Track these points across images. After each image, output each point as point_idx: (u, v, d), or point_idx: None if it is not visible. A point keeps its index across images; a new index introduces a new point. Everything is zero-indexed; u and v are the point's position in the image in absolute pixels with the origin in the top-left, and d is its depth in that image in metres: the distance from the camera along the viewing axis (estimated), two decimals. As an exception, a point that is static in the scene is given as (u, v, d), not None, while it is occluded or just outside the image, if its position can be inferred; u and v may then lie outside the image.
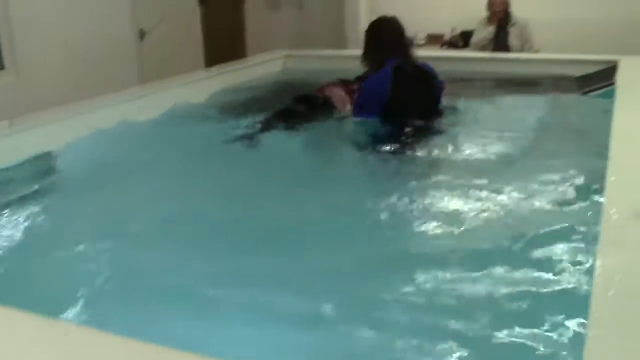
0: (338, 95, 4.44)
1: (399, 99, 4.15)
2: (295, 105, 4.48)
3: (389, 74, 4.16)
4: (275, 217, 2.86)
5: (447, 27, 8.45)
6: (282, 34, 9.09)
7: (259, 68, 5.83)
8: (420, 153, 3.80)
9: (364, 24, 8.48)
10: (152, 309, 2.12)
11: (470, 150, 3.69)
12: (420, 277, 2.22)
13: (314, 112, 4.39)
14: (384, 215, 2.88)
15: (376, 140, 4.08)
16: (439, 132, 4.14)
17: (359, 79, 4.48)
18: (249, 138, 3.99)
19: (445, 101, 4.48)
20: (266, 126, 4.20)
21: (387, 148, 3.87)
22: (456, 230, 2.62)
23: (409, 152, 3.83)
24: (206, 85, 5.03)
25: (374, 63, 4.32)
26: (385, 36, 4.36)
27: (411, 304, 2.10)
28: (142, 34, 6.88)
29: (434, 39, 8.48)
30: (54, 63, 5.74)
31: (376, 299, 2.14)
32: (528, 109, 4.38)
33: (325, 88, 4.57)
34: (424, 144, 3.92)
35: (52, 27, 5.73)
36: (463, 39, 8.19)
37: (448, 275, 2.22)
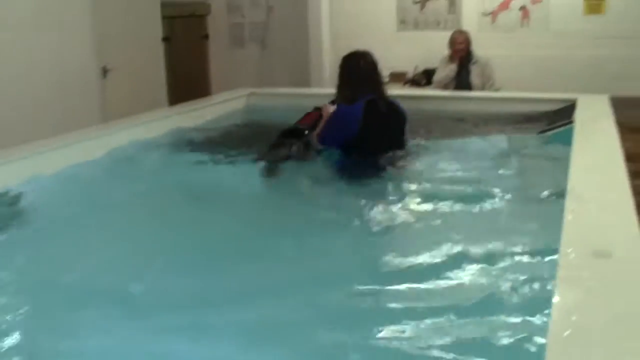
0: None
1: (369, 134, 4.23)
2: (285, 139, 4.50)
3: (359, 111, 4.24)
4: (240, 257, 2.86)
5: (410, 65, 8.53)
6: (246, 72, 9.13)
7: (223, 106, 5.83)
8: (385, 188, 3.85)
9: (327, 62, 8.60)
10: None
11: (428, 189, 3.72)
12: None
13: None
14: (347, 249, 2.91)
15: (346, 174, 4.17)
16: (404, 168, 4.22)
17: (333, 102, 4.56)
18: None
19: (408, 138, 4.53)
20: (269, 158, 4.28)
21: (356, 182, 3.98)
22: (412, 270, 2.64)
23: (375, 186, 3.88)
24: (168, 123, 5.01)
25: (347, 97, 4.38)
26: (359, 71, 4.42)
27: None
28: (105, 71, 6.86)
29: (396, 77, 8.56)
30: (15, 100, 5.68)
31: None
32: (488, 147, 4.43)
33: (309, 115, 4.66)
34: (390, 179, 3.98)
35: (14, 63, 5.69)
36: (426, 77, 8.27)
37: (405, 313, 2.23)
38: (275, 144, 4.48)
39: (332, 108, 4.53)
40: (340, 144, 4.35)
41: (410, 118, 4.66)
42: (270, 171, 4.15)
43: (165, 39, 8.01)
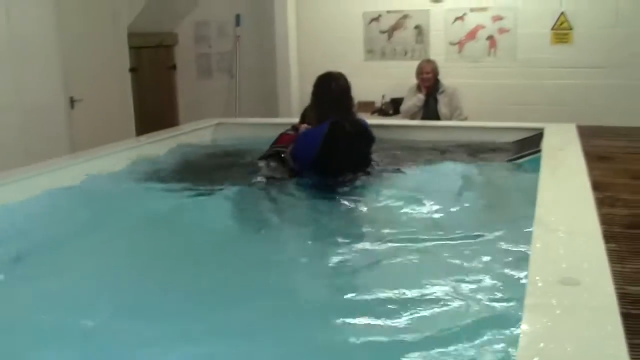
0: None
1: (333, 153, 4.37)
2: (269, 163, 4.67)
3: (323, 133, 4.38)
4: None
5: (378, 95, 8.56)
6: (214, 102, 9.13)
7: (190, 136, 5.80)
8: (353, 214, 3.87)
9: (295, 91, 8.62)
10: None
11: (394, 218, 3.73)
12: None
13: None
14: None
15: (317, 195, 4.25)
16: (370, 190, 4.31)
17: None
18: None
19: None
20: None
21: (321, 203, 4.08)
22: (377, 302, 2.62)
23: (343, 208, 3.94)
24: (135, 153, 4.97)
25: (317, 117, 4.54)
26: (330, 93, 4.57)
27: None
28: (72, 102, 6.81)
29: (364, 106, 8.56)
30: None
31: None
32: (455, 176, 4.44)
33: (286, 136, 4.82)
34: (356, 205, 4.00)
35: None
36: (393, 107, 8.30)
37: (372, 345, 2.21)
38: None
39: (305, 128, 4.70)
40: (307, 163, 4.46)
41: (378, 147, 4.70)
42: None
43: (133, 70, 8.00)
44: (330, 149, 4.36)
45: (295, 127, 4.92)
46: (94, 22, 7.28)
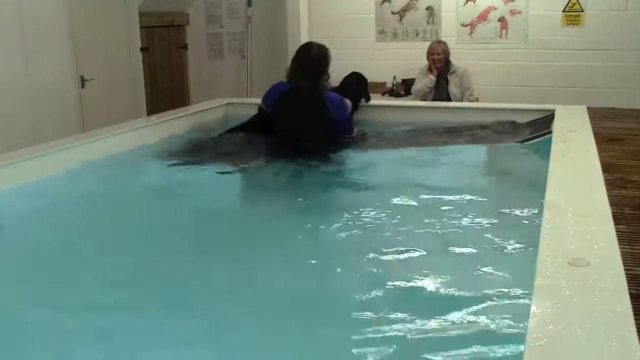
0: None
1: (282, 115, 4.74)
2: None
3: (280, 90, 4.79)
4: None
5: (389, 76, 8.55)
6: (225, 82, 9.13)
7: (201, 116, 5.81)
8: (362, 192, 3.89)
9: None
10: None
11: (407, 197, 3.73)
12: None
13: None
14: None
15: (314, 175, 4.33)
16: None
17: None
18: None
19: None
20: None
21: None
22: (390, 275, 2.63)
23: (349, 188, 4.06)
24: (146, 132, 4.98)
25: (287, 78, 4.85)
26: (301, 58, 4.89)
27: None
28: (83, 81, 6.82)
29: (376, 87, 8.53)
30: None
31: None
32: (466, 157, 4.44)
33: None
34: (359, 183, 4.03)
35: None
36: (405, 87, 8.28)
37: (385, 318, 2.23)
38: None
39: None
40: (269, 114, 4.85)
41: (390, 128, 4.71)
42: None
43: (144, 49, 7.99)
44: (280, 108, 4.73)
45: None
46: (105, 1, 7.28)
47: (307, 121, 4.66)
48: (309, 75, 4.73)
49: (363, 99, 5.66)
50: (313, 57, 4.83)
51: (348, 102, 4.98)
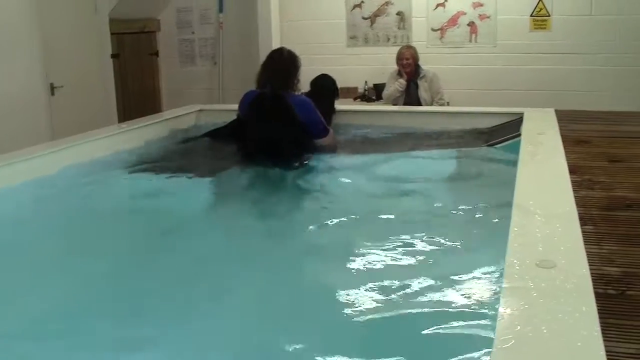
0: None
1: (250, 121, 4.78)
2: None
3: (249, 98, 4.82)
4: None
5: (361, 81, 8.59)
6: (197, 88, 9.12)
7: (173, 122, 5.80)
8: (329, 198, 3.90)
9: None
10: None
11: (374, 201, 3.76)
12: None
13: None
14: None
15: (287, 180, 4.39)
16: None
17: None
18: None
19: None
20: None
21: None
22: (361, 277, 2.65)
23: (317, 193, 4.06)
24: (117, 139, 4.97)
25: (256, 85, 4.87)
26: (268, 63, 4.91)
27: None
28: (53, 88, 6.79)
29: (347, 92, 8.56)
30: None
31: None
32: (435, 160, 4.48)
33: None
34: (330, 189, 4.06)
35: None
36: (376, 92, 8.33)
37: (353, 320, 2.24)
38: None
39: None
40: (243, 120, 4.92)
41: (361, 132, 4.74)
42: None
43: (115, 56, 7.97)
44: (250, 115, 4.79)
45: None
46: (75, 8, 7.26)
47: (275, 126, 4.67)
48: (278, 81, 4.74)
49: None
50: (283, 63, 4.85)
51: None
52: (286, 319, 2.39)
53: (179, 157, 4.91)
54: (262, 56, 8.61)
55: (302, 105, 4.74)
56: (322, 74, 5.74)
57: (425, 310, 2.34)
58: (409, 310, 2.36)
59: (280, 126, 4.67)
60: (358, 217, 3.52)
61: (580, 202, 2.86)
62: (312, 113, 4.78)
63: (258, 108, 4.76)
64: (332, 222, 3.42)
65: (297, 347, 2.17)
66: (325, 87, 5.61)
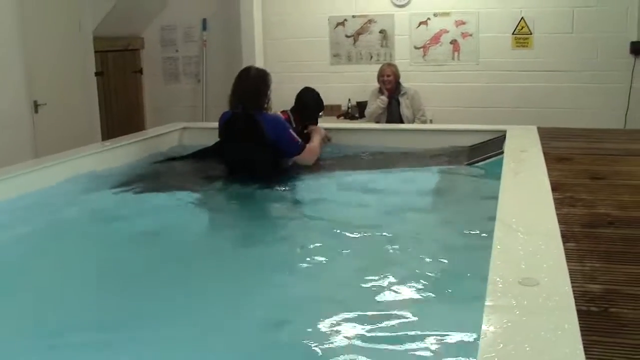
0: None
1: (225, 142, 4.84)
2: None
3: (223, 119, 4.85)
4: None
5: (344, 98, 8.61)
6: (181, 106, 9.12)
7: (156, 140, 5.79)
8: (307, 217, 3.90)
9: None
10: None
11: (355, 220, 3.76)
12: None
13: None
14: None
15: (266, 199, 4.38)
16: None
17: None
18: None
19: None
20: None
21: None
22: (341, 302, 2.65)
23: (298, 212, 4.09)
24: (101, 157, 4.95)
25: (229, 104, 4.88)
26: (238, 83, 4.87)
27: None
28: (36, 106, 6.77)
29: (331, 110, 8.58)
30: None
31: None
32: (418, 178, 4.49)
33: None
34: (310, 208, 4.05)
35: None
36: (359, 110, 8.35)
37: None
38: None
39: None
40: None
41: (344, 150, 4.75)
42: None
43: (99, 74, 7.96)
44: (225, 136, 4.85)
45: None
46: (59, 26, 7.24)
47: (247, 147, 4.70)
48: (248, 101, 4.75)
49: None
50: (251, 82, 4.83)
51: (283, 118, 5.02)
52: (260, 338, 2.38)
53: (161, 175, 4.90)
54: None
55: (273, 125, 4.74)
56: (306, 88, 5.73)
57: (407, 328, 2.34)
58: (391, 327, 2.36)
59: (253, 146, 4.68)
60: (337, 234, 3.51)
61: (563, 220, 2.87)
62: (283, 132, 4.78)
63: (231, 129, 4.79)
64: (309, 241, 3.41)
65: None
66: (307, 102, 5.59)
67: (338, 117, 8.54)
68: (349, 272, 3.03)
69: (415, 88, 7.64)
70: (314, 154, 5.01)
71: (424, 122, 7.38)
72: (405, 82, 7.67)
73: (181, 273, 3.04)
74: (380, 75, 7.55)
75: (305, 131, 5.30)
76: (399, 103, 7.43)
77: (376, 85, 7.63)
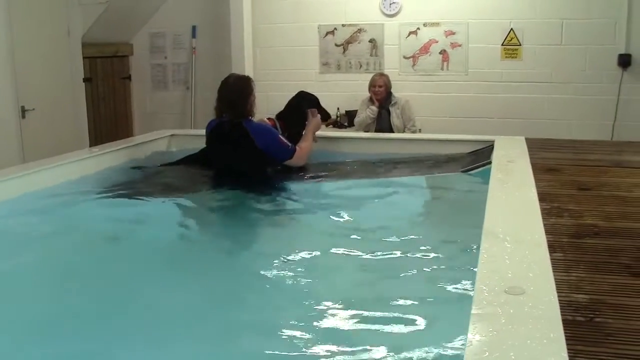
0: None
1: (212, 150, 4.88)
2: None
3: (209, 128, 4.91)
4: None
5: (333, 108, 8.61)
6: (169, 113, 9.11)
7: (144, 147, 5.77)
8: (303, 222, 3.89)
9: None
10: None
11: (348, 228, 3.76)
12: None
13: None
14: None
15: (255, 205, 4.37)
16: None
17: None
18: None
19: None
20: None
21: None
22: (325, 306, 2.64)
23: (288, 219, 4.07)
24: (89, 164, 4.94)
25: (215, 114, 4.94)
26: (221, 91, 4.93)
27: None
28: (23, 111, 6.74)
29: (320, 119, 8.56)
30: None
31: None
32: (407, 188, 4.49)
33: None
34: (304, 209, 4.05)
35: None
36: (348, 119, 8.36)
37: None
38: None
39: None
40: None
41: (333, 159, 4.75)
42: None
43: (87, 80, 7.94)
44: (211, 145, 4.90)
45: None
46: (47, 31, 7.23)
47: (234, 154, 4.72)
48: (231, 109, 4.80)
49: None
50: (231, 91, 4.85)
51: (269, 126, 5.04)
52: (245, 343, 2.37)
53: (148, 182, 4.88)
54: (235, 82, 8.69)
55: (260, 133, 4.76)
56: (299, 92, 5.74)
57: (393, 335, 2.34)
58: (377, 335, 2.35)
59: (240, 154, 4.69)
60: (324, 242, 3.51)
61: (550, 230, 2.88)
62: (271, 139, 4.81)
63: (217, 137, 4.84)
64: (295, 248, 3.40)
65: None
66: (297, 106, 5.57)
67: (327, 125, 8.52)
68: (337, 278, 3.03)
69: (406, 98, 7.65)
70: (305, 155, 5.03)
71: (414, 132, 7.39)
72: (394, 92, 7.67)
73: (166, 278, 3.02)
74: (372, 86, 7.57)
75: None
76: (389, 113, 7.44)
77: (367, 94, 7.64)
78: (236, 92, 4.84)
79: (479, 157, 5.10)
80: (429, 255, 3.17)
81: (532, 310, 1.97)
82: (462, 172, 4.95)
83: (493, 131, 6.44)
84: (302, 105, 5.51)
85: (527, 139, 5.29)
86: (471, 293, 2.11)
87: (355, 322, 2.51)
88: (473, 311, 1.95)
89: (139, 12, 9.12)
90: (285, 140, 4.87)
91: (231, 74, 5.28)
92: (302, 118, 5.35)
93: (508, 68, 8.23)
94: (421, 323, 2.41)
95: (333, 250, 3.36)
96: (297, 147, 4.94)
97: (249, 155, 4.68)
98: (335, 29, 8.82)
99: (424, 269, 2.99)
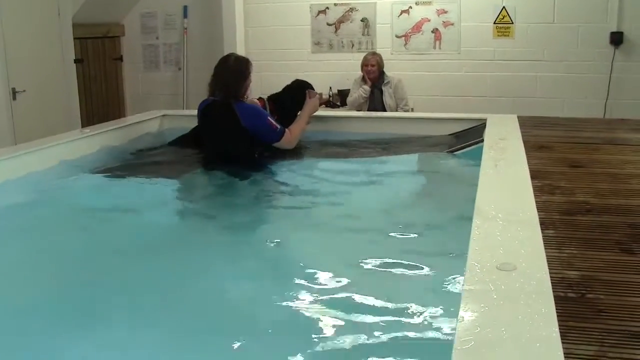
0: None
1: (203, 129, 4.88)
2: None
3: (202, 106, 4.88)
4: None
5: (326, 87, 8.60)
6: (161, 94, 9.08)
7: (136, 128, 5.75)
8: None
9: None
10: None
11: (338, 206, 3.76)
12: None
13: None
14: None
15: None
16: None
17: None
18: None
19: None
20: None
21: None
22: (321, 287, 2.64)
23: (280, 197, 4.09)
24: (80, 144, 4.92)
25: (208, 93, 4.92)
26: (216, 70, 4.89)
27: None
28: (14, 93, 6.71)
29: (312, 99, 8.55)
30: None
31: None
32: (399, 166, 4.49)
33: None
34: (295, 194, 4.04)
35: None
36: (341, 98, 8.34)
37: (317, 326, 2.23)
38: None
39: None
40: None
41: (324, 138, 4.74)
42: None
43: (78, 61, 7.90)
44: (202, 124, 4.89)
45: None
46: (37, 12, 7.18)
47: (224, 135, 4.71)
48: (226, 89, 4.77)
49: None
50: (230, 71, 4.83)
51: (260, 109, 4.99)
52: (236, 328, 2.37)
53: (140, 163, 4.87)
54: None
55: (250, 115, 4.74)
56: (295, 80, 5.74)
57: (385, 313, 2.34)
58: (369, 312, 2.36)
59: (227, 134, 4.68)
60: (315, 223, 3.52)
61: (541, 207, 2.88)
62: (259, 120, 4.78)
63: (208, 117, 4.83)
64: (285, 230, 3.41)
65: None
66: (291, 91, 5.55)
67: (319, 105, 8.51)
68: (328, 259, 3.03)
69: (399, 77, 7.65)
70: (294, 138, 4.98)
71: (407, 111, 7.39)
72: (386, 71, 7.66)
73: (155, 262, 3.02)
74: (364, 64, 7.56)
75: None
76: (381, 92, 7.44)
77: (360, 73, 7.63)
78: (233, 73, 4.82)
79: (470, 136, 5.11)
80: (419, 233, 3.19)
81: (524, 286, 1.97)
82: (453, 150, 4.96)
83: (485, 109, 6.44)
84: (297, 95, 5.47)
85: (519, 117, 5.29)
86: (462, 269, 2.11)
87: (346, 302, 2.51)
88: (465, 287, 1.95)
89: (130, -8, 9.08)
90: (275, 122, 4.83)
91: (231, 53, 5.28)
92: (294, 105, 5.32)
93: (500, 46, 8.23)
94: (412, 299, 2.41)
95: (321, 229, 3.37)
96: (287, 130, 4.89)
97: (235, 135, 4.67)
98: (327, 8, 8.79)
99: (415, 247, 3.00)
